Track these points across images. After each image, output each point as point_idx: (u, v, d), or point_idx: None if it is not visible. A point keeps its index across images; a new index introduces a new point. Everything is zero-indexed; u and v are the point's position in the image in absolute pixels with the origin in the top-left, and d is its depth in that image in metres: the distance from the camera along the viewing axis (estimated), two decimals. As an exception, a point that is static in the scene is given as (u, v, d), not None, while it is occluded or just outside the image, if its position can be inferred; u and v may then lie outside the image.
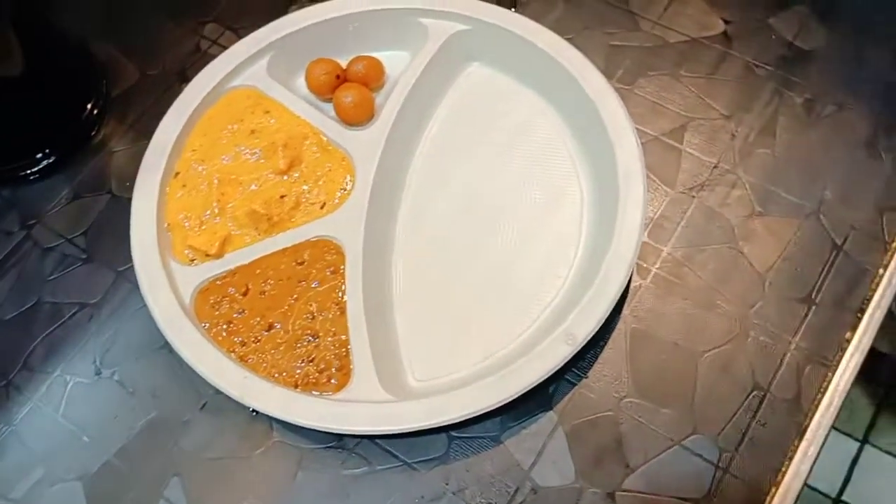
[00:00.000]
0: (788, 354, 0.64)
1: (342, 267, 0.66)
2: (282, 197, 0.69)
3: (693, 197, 0.71)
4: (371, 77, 0.76)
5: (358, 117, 0.74)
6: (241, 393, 0.60)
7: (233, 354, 0.63)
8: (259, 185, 0.70)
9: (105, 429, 0.65)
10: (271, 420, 0.60)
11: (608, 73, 0.74)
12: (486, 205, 0.71)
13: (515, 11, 0.76)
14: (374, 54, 0.78)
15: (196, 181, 0.71)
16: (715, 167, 0.73)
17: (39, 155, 0.77)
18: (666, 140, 0.74)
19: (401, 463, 0.62)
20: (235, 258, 0.67)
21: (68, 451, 0.64)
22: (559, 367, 0.59)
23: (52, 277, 0.71)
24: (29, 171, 0.77)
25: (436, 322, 0.66)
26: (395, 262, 0.69)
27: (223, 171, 0.71)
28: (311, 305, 0.65)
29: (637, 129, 0.67)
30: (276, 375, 0.62)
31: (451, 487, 0.61)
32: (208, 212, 0.69)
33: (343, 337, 0.63)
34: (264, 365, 0.63)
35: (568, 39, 0.73)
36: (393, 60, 0.78)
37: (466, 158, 0.74)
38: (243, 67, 0.76)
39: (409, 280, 0.69)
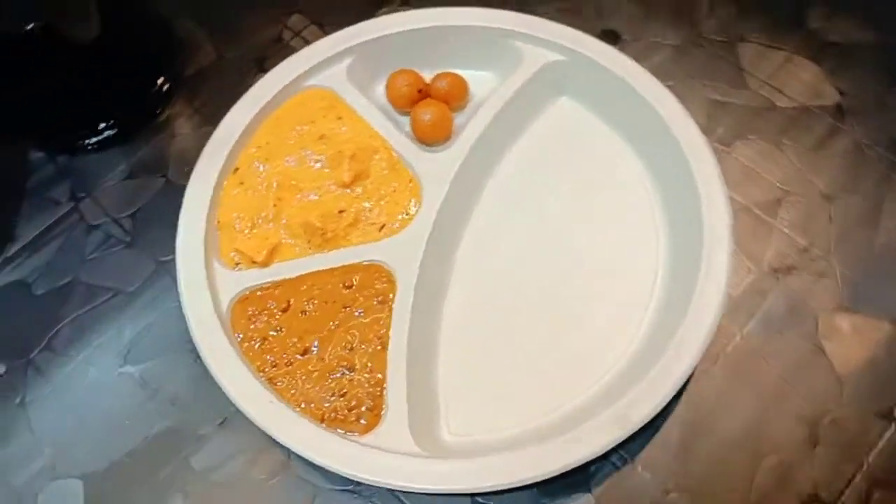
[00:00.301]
0: (859, 475, 0.58)
1: (391, 297, 0.62)
2: (340, 212, 0.65)
3: (778, 279, 0.65)
4: (454, 96, 0.72)
5: (434, 137, 0.70)
6: (263, 419, 0.56)
7: (262, 374, 0.59)
8: (319, 196, 0.66)
9: (118, 428, 0.61)
10: (290, 451, 0.55)
11: (706, 130, 0.68)
12: (552, 252, 0.66)
13: (618, 49, 0.70)
14: (460, 72, 0.73)
15: (255, 180, 0.67)
16: (806, 250, 0.67)
17: (102, 125, 0.75)
18: (757, 211, 0.69)
19: (419, 520, 0.58)
20: (282, 270, 0.63)
21: (76, 445, 0.61)
22: (607, 450, 0.54)
23: (91, 257, 0.68)
24: (88, 142, 0.74)
25: (481, 374, 0.62)
26: (448, 302, 0.65)
27: (284, 174, 0.67)
28: (351, 335, 0.60)
29: (728, 194, 0.62)
30: (303, 405, 0.58)
31: (470, 555, 0.57)
32: (262, 215, 0.65)
33: (380, 375, 0.59)
34: (293, 391, 0.58)
35: (668, 86, 0.67)
36: (478, 81, 0.74)
37: (539, 198, 0.69)
38: (323, 67, 0.72)
39: (460, 323, 0.64)
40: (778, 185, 0.70)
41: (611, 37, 0.78)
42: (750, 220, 0.68)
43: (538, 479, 0.53)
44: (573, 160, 0.71)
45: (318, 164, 0.68)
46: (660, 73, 0.68)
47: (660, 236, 0.66)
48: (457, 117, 0.72)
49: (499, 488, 0.53)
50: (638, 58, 0.69)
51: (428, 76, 0.73)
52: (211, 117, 0.72)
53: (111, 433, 0.61)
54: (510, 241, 0.67)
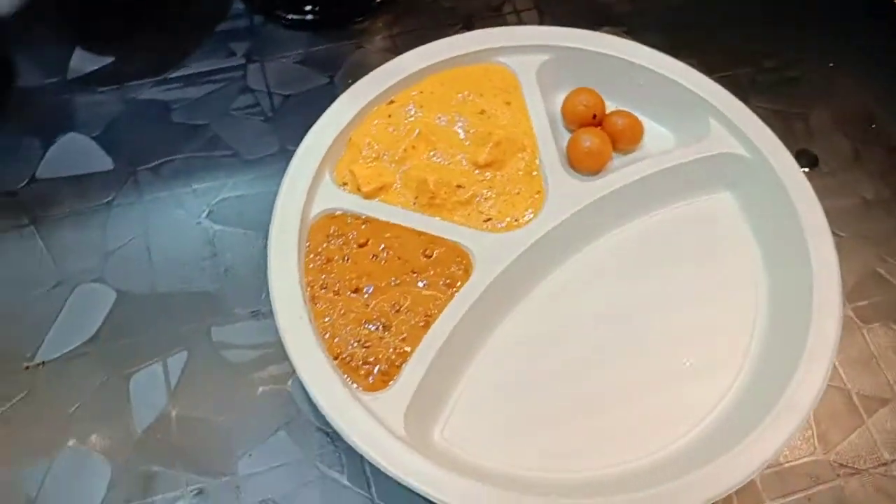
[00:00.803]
0: None
1: (459, 285, 0.60)
2: (458, 186, 0.64)
3: (838, 475, 0.60)
4: (625, 137, 0.69)
5: (584, 165, 0.68)
6: (287, 328, 0.57)
7: (308, 289, 0.59)
8: (448, 162, 0.66)
9: (169, 269, 0.64)
10: (294, 371, 0.55)
11: (850, 294, 0.64)
12: (638, 318, 0.64)
13: (808, 171, 0.66)
14: (640, 115, 0.71)
15: (401, 120, 0.67)
16: (885, 464, 0.60)
17: (308, 7, 0.77)
18: (856, 401, 0.63)
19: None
20: (378, 209, 0.63)
21: (128, 263, 0.64)
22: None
23: (232, 113, 0.71)
24: (287, 15, 0.76)
25: (503, 402, 0.60)
26: (508, 320, 0.63)
27: (430, 127, 0.67)
28: (404, 299, 0.60)
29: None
30: (327, 336, 0.58)
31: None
32: (390, 153, 0.65)
33: (408, 349, 0.58)
34: (326, 319, 0.59)
35: (835, 233, 0.62)
36: (654, 131, 0.72)
37: (647, 263, 0.66)
38: (521, 51, 0.71)
39: (507, 344, 0.62)
40: (893, 385, 0.63)
41: (807, 158, 0.73)
42: (843, 405, 0.62)
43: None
44: (699, 243, 0.67)
45: (464, 135, 0.67)
46: (836, 217, 0.63)
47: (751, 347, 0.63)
48: (616, 158, 0.70)
49: (448, 507, 0.51)
50: (824, 191, 0.64)
51: (610, 104, 0.71)
52: (398, 48, 0.72)
53: (161, 269, 0.63)
54: (598, 293, 0.65)
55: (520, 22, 0.76)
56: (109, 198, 0.66)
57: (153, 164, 0.68)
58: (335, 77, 0.74)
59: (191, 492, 0.56)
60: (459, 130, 0.67)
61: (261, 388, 0.60)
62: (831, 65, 0.77)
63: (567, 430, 0.59)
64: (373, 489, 0.58)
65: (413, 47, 0.70)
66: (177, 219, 0.66)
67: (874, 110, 0.75)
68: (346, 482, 0.58)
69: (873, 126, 0.75)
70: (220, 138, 0.69)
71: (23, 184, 0.66)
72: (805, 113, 0.76)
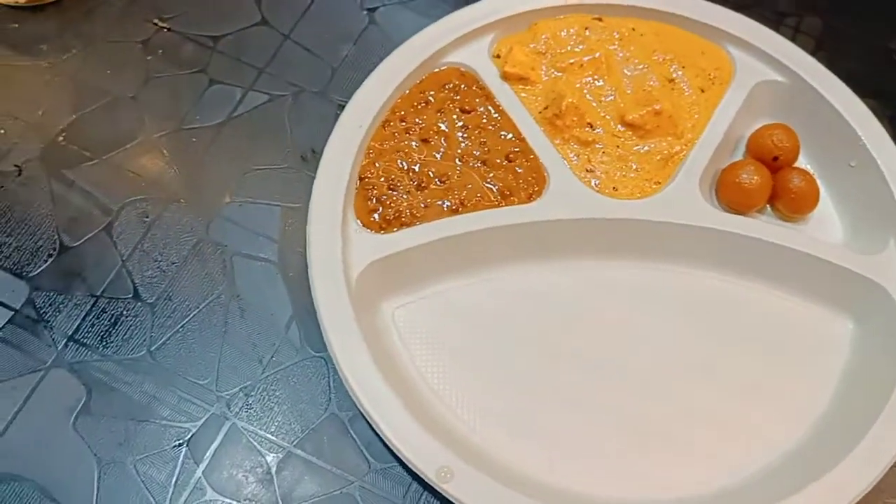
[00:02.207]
0: None
1: (511, 201, 0.57)
2: (589, 124, 0.59)
3: None
4: (788, 198, 0.60)
5: (726, 197, 0.60)
6: (343, 124, 0.56)
7: (390, 111, 0.59)
8: (601, 99, 0.61)
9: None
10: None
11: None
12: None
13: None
14: (828, 192, 0.62)
15: (594, 38, 0.63)
16: None
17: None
18: None
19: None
20: (504, 94, 0.60)
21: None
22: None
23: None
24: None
25: (468, 327, 0.56)
26: (529, 270, 0.58)
27: (610, 60, 0.62)
28: (457, 177, 0.57)
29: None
30: (370, 154, 0.58)
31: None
32: (558, 56, 0.62)
33: (421, 216, 0.55)
34: (381, 143, 0.58)
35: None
36: (827, 216, 0.62)
37: (715, 318, 0.58)
38: (755, 54, 0.63)
39: (513, 288, 0.58)
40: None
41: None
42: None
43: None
44: (782, 348, 0.58)
45: (632, 87, 0.61)
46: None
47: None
48: (767, 214, 0.61)
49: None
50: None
51: (805, 164, 0.62)
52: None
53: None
54: (627, 310, 0.58)
55: (796, 31, 0.67)
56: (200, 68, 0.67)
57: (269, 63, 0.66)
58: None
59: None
60: (632, 81, 0.61)
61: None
62: None
63: (514, 395, 0.55)
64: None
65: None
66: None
67: None
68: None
69: None
70: (272, 77, 0.66)
71: None
72: None
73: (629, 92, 0.61)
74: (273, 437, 0.53)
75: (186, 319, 0.55)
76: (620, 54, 0.62)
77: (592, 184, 0.58)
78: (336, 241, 0.53)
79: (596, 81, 0.61)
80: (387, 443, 0.49)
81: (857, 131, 0.60)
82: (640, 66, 0.62)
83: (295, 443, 0.53)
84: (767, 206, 0.61)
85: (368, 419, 0.49)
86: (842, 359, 0.57)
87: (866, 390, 0.54)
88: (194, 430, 0.53)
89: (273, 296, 0.57)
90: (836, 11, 0.71)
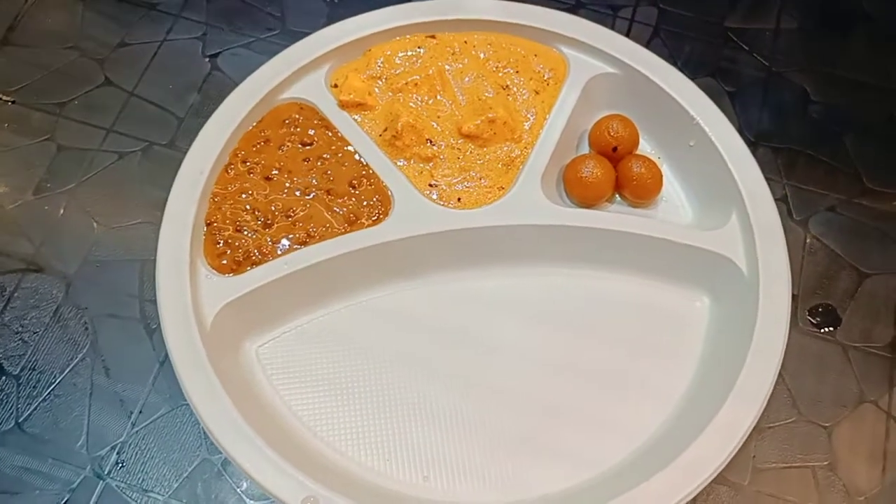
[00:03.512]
0: None
1: (357, 225, 0.58)
2: (428, 140, 0.61)
3: None
4: (631, 187, 0.61)
5: (573, 192, 0.62)
6: (185, 172, 0.57)
7: (231, 153, 0.60)
8: (437, 115, 0.62)
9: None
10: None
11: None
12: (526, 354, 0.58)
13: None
14: (671, 175, 0.64)
15: (428, 56, 0.64)
16: None
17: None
18: None
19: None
20: (345, 122, 0.61)
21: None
22: None
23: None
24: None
25: (334, 358, 0.57)
26: (385, 289, 0.59)
27: (442, 76, 0.64)
28: (302, 210, 0.58)
29: None
30: (215, 199, 0.58)
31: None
32: (392, 79, 0.63)
33: (270, 254, 0.56)
34: (226, 186, 0.59)
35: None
36: (675, 198, 0.64)
37: (569, 311, 0.59)
38: (586, 51, 0.64)
39: (375, 310, 0.59)
40: None
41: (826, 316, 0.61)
42: None
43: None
44: (643, 331, 0.59)
45: (464, 98, 0.62)
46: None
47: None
48: (617, 202, 0.63)
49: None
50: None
51: (646, 149, 0.64)
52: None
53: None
54: (482, 312, 0.59)
55: (631, 22, 0.69)
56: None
57: None
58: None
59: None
60: (467, 93, 0.63)
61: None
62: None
63: (383, 416, 0.56)
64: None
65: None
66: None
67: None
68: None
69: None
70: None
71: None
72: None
73: (464, 104, 0.62)
74: (149, 491, 0.53)
75: (52, 386, 0.56)
76: (455, 68, 0.64)
77: (435, 198, 0.59)
78: (185, 289, 0.54)
79: (432, 98, 0.62)
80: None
81: (690, 112, 0.61)
82: (475, 78, 0.63)
83: (171, 493, 0.53)
84: (616, 195, 0.63)
85: (230, 460, 0.50)
86: (701, 336, 0.59)
87: (723, 363, 0.56)
88: (68, 496, 0.53)
89: (137, 351, 0.57)
90: (669, -1, 0.74)
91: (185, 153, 0.60)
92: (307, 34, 0.64)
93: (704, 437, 0.51)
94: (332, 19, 0.67)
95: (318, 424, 0.55)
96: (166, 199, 0.59)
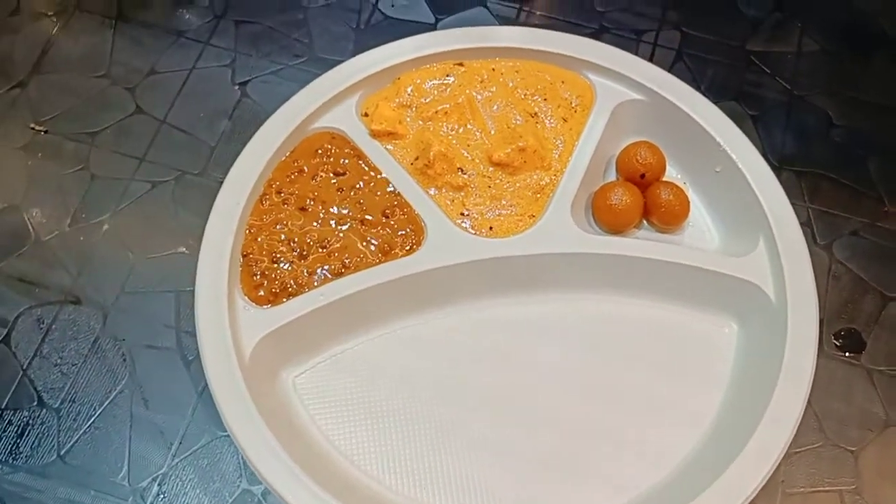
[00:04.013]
0: None
1: (392, 256, 0.58)
2: (459, 169, 0.61)
3: None
4: (659, 213, 0.62)
5: (601, 219, 0.62)
6: (220, 205, 0.58)
7: (266, 184, 0.61)
8: (467, 143, 0.63)
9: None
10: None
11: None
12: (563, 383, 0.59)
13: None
14: (699, 201, 0.65)
15: (458, 83, 0.65)
16: None
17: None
18: None
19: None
20: (376, 151, 0.62)
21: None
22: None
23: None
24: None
25: (371, 385, 0.58)
26: (420, 318, 0.60)
27: (472, 104, 0.64)
28: (337, 240, 0.59)
29: None
30: (251, 230, 0.59)
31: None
32: (423, 107, 0.64)
33: (307, 285, 0.57)
34: (262, 217, 0.59)
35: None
36: (702, 224, 0.64)
37: (601, 336, 0.60)
38: (613, 78, 0.65)
39: (408, 339, 0.60)
40: None
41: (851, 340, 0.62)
42: None
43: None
44: (672, 357, 0.60)
45: (495, 127, 0.63)
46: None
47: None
48: (645, 228, 0.64)
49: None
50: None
51: (674, 175, 0.65)
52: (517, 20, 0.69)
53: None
54: (520, 340, 0.60)
55: (654, 47, 0.70)
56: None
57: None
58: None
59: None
60: (496, 121, 0.63)
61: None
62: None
63: (423, 445, 0.56)
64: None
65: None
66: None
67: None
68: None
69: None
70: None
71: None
72: None
73: (494, 132, 0.63)
74: (190, 522, 0.54)
75: (93, 419, 0.57)
76: (483, 96, 0.65)
77: (468, 227, 0.60)
78: (223, 322, 0.55)
79: (462, 126, 0.63)
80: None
81: (716, 138, 0.62)
82: (504, 105, 0.64)
83: (212, 523, 0.54)
84: (644, 221, 0.64)
85: (271, 490, 0.51)
86: (729, 361, 0.60)
87: (753, 388, 0.56)
88: (112, 528, 0.54)
89: (175, 381, 0.58)
90: (692, 22, 0.74)
91: (218, 182, 0.61)
92: (335, 61, 0.65)
93: (737, 463, 0.52)
94: (359, 45, 0.69)
95: (354, 453, 0.55)
96: (200, 229, 0.60)
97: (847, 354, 0.61)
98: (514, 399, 0.58)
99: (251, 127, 0.62)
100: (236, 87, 0.69)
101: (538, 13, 0.73)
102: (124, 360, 0.59)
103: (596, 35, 0.72)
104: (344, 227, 0.59)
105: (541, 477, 0.55)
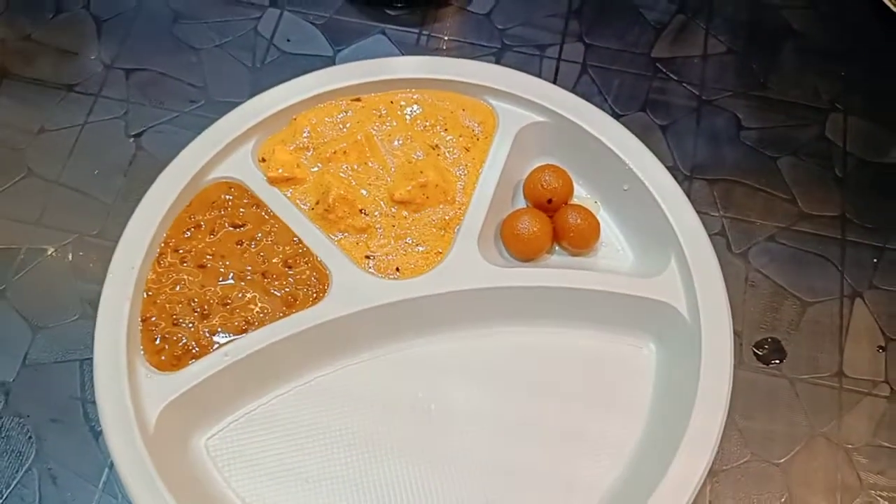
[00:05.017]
0: None
1: (296, 308, 0.57)
2: (361, 211, 0.60)
3: None
4: (569, 237, 0.61)
5: (512, 248, 0.61)
6: (115, 268, 0.56)
7: (163, 242, 0.59)
8: (368, 183, 0.62)
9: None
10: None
11: None
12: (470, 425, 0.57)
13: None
14: (611, 221, 0.64)
15: (356, 120, 0.63)
16: None
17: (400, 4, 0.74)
18: None
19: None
20: (275, 198, 0.61)
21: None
22: None
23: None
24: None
25: (288, 445, 0.57)
26: (333, 368, 0.59)
27: (371, 141, 0.63)
28: (239, 297, 0.57)
29: None
30: (148, 294, 0.57)
31: None
32: (320, 149, 0.62)
33: (209, 346, 0.56)
34: (160, 279, 0.58)
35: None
36: (616, 244, 0.63)
37: (518, 371, 0.59)
38: (514, 102, 0.64)
39: (322, 392, 0.58)
40: None
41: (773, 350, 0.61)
42: None
43: None
44: (593, 385, 0.59)
45: (393, 164, 0.62)
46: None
47: None
48: (558, 254, 0.63)
49: None
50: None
51: (583, 195, 0.64)
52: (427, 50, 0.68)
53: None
54: (435, 383, 0.59)
55: (559, 61, 0.69)
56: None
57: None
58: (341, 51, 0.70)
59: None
60: (396, 157, 0.62)
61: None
62: None
63: (341, 498, 0.55)
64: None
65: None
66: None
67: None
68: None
69: None
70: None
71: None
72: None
73: (394, 169, 0.62)
74: None
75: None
76: (383, 131, 0.63)
77: (373, 270, 0.58)
78: (124, 392, 0.53)
79: (361, 165, 0.62)
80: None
81: (621, 156, 0.61)
82: (404, 139, 0.63)
83: None
84: (557, 245, 0.63)
85: (186, 568, 0.50)
86: (650, 384, 0.59)
87: (673, 410, 0.56)
88: None
89: (84, 455, 0.56)
90: (594, 32, 0.73)
91: (116, 242, 0.59)
92: (232, 103, 0.63)
93: (660, 490, 0.51)
94: (256, 85, 0.67)
95: (275, 514, 0.55)
96: (100, 293, 0.58)
97: (769, 365, 0.60)
98: (434, 441, 0.57)
99: (148, 181, 0.60)
100: (131, 140, 0.66)
101: (438, 36, 0.72)
102: (30, 438, 0.57)
103: (499, 54, 0.70)
104: (245, 282, 0.58)
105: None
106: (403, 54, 0.70)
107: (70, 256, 0.62)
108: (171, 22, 0.72)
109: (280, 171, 0.60)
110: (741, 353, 0.61)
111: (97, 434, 0.57)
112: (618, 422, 0.58)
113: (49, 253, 0.62)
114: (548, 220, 0.61)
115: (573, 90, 0.66)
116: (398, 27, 0.72)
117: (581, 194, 0.64)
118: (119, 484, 0.55)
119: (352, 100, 0.64)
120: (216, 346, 0.56)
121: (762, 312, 0.62)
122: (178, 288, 0.57)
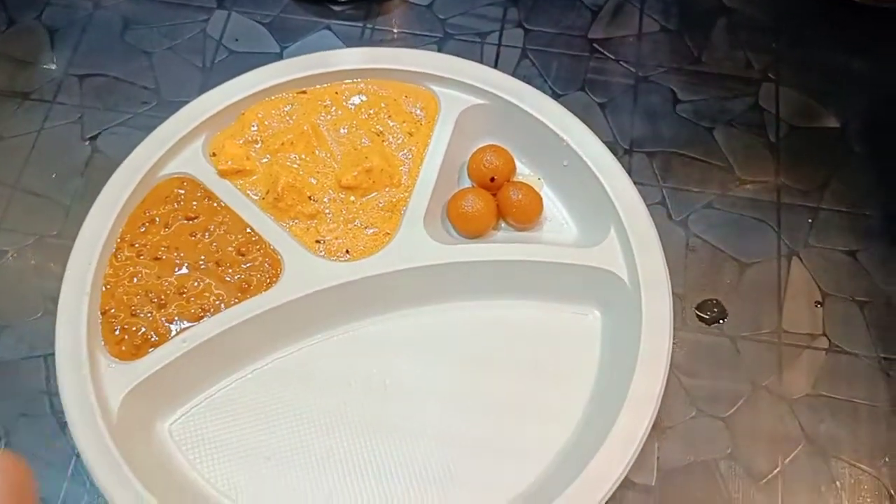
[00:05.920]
0: None
1: (251, 293, 0.59)
2: (309, 198, 0.62)
3: None
4: (513, 213, 0.63)
5: (459, 226, 0.64)
6: (73, 264, 0.58)
7: (119, 238, 0.61)
8: (315, 171, 0.64)
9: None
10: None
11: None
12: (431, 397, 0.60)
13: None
14: (553, 196, 0.66)
15: (301, 111, 0.66)
16: None
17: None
18: None
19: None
20: (226, 191, 0.63)
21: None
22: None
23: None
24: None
25: (249, 426, 0.59)
26: (292, 349, 0.61)
27: (317, 130, 0.65)
28: (195, 286, 0.59)
29: None
30: (106, 287, 0.59)
31: None
32: (269, 141, 0.64)
33: (167, 334, 0.58)
34: (118, 273, 0.60)
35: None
36: (559, 218, 0.66)
37: (472, 344, 0.62)
38: (454, 86, 0.66)
39: (280, 372, 0.60)
40: None
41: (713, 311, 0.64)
42: None
43: None
44: (542, 354, 0.61)
45: (339, 150, 0.64)
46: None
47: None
48: (504, 229, 0.65)
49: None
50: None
51: (525, 172, 0.66)
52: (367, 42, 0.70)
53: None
54: (392, 360, 0.61)
55: (497, 54, 0.71)
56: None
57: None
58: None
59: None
60: (342, 145, 0.64)
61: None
62: None
63: (306, 477, 0.57)
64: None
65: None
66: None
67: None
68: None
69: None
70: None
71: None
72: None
73: (341, 156, 0.64)
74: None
75: (-29, 498, 0.56)
76: (328, 121, 0.65)
77: (323, 254, 0.61)
78: (86, 383, 0.54)
79: (308, 155, 0.64)
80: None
81: (559, 133, 0.63)
82: (350, 128, 0.65)
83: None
84: (502, 222, 0.65)
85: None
86: (596, 350, 0.61)
87: (617, 373, 0.58)
88: None
89: (53, 447, 0.58)
90: (533, 19, 0.75)
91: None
92: (184, 102, 0.65)
93: (606, 447, 0.53)
94: (206, 85, 0.68)
95: (239, 494, 0.56)
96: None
97: (712, 326, 0.63)
98: (388, 418, 0.59)
99: (104, 182, 0.62)
100: (86, 143, 0.68)
101: (382, 29, 0.74)
102: (-1, 434, 0.59)
103: (441, 43, 0.73)
104: (200, 272, 0.60)
105: (426, 489, 0.56)
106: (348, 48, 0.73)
107: (31, 257, 0.64)
108: (123, 28, 0.74)
109: (230, 163, 0.62)
110: (684, 315, 0.63)
111: (64, 426, 0.58)
112: (565, 388, 0.60)
113: (10, 255, 0.64)
114: (491, 197, 0.63)
115: (514, 74, 0.69)
116: (343, 22, 0.74)
117: (524, 172, 0.66)
118: (86, 472, 0.57)
119: (297, 92, 0.66)
120: (174, 333, 0.58)
121: (703, 276, 0.64)
122: (135, 280, 0.59)
